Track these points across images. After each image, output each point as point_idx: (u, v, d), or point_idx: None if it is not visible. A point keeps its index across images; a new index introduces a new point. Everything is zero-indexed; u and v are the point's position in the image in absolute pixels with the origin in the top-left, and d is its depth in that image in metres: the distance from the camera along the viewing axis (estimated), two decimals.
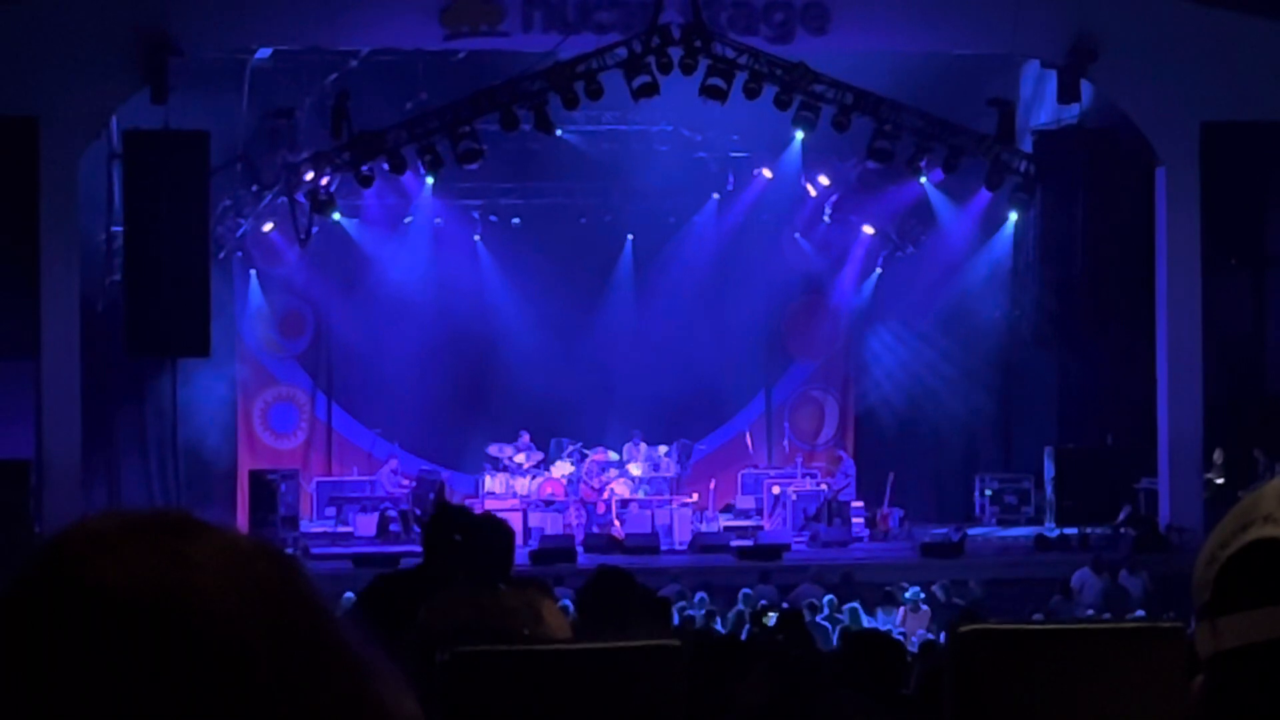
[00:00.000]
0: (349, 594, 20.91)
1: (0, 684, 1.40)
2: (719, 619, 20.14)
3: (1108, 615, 20.36)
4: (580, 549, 25.12)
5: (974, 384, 29.80)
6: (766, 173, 29.43)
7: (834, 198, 29.87)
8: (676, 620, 18.42)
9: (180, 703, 1.38)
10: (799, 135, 26.68)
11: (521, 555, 24.06)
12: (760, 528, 26.97)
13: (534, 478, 27.38)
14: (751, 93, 24.80)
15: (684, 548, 25.94)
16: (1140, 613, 20.64)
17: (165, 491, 27.58)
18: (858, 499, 27.80)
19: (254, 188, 26.50)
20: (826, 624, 19.83)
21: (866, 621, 20.01)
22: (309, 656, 1.44)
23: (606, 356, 29.48)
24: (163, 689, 1.38)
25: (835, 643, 18.15)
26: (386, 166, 25.44)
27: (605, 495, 26.98)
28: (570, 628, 4.52)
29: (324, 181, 25.65)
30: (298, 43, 25.53)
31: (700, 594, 21.48)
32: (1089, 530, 26.34)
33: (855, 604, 20.85)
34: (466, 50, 25.83)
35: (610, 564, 10.17)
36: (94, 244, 25.80)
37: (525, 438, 27.75)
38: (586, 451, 27.65)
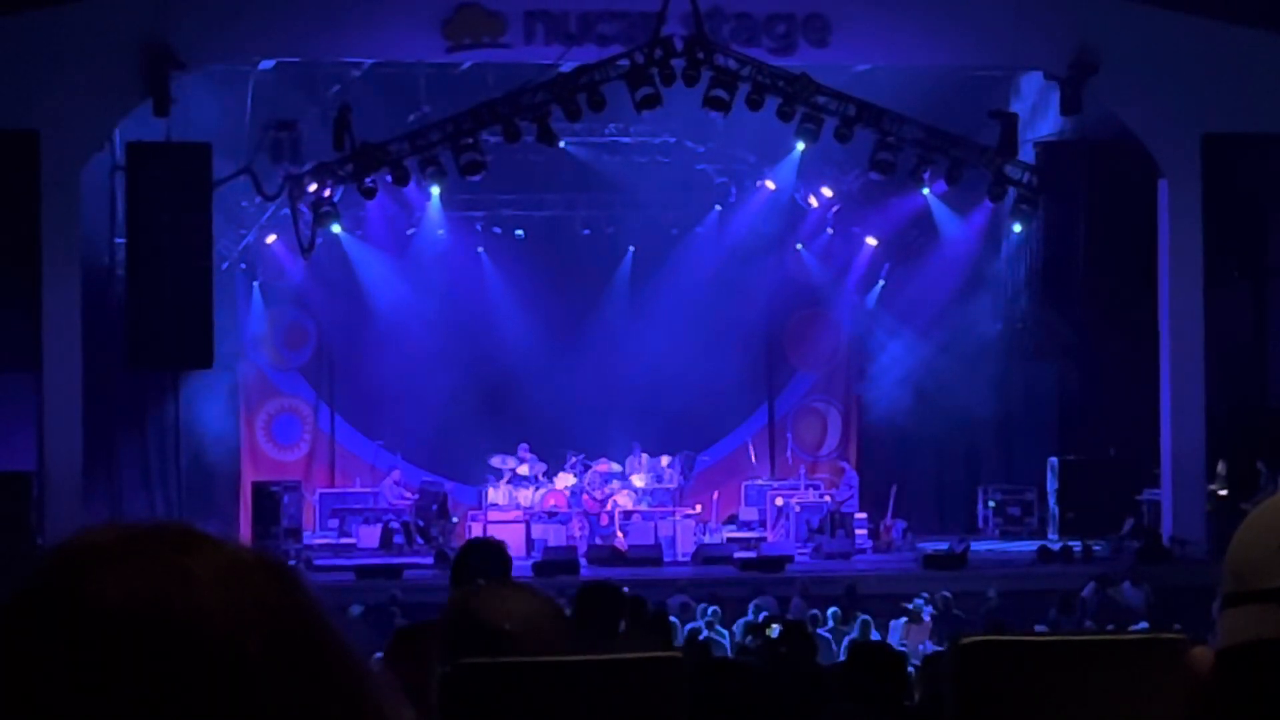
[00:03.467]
0: (355, 607, 21.01)
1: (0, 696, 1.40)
2: (724, 631, 20.10)
3: (1110, 627, 20.35)
4: (583, 560, 25.10)
5: (977, 395, 29.75)
6: (769, 184, 29.45)
7: (835, 209, 29.89)
8: (685, 633, 18.41)
9: (178, 716, 1.38)
10: (800, 146, 26.72)
11: (524, 567, 24.05)
12: (763, 539, 26.95)
13: (537, 489, 27.37)
14: (754, 104, 24.83)
15: (687, 559, 25.90)
16: (1143, 624, 20.61)
17: (167, 503, 27.56)
18: (861, 510, 27.76)
19: (257, 199, 26.51)
20: (829, 635, 19.81)
21: (874, 635, 19.99)
22: (308, 670, 1.43)
23: (609, 368, 29.46)
24: (161, 702, 1.38)
25: (840, 655, 18.14)
26: (389, 178, 25.45)
27: (608, 507, 26.96)
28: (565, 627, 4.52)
29: (326, 193, 25.67)
30: (300, 55, 25.57)
31: (700, 605, 21.45)
32: (1092, 542, 26.32)
33: (866, 616, 20.82)
34: (469, 62, 25.88)
35: (596, 579, 10.25)
36: (96, 257, 25.81)
37: (525, 449, 27.74)
38: (589, 463, 27.63)
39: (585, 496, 27.12)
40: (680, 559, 25.89)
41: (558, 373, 29.12)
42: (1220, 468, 26.13)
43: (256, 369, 29.31)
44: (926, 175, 26.35)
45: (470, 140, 24.92)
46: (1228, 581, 1.75)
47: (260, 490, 26.50)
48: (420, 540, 26.33)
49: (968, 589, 23.59)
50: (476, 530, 26.33)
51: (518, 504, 27.10)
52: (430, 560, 25.08)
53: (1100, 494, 27.92)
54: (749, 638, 18.57)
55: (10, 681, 1.40)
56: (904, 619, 21.73)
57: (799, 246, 30.43)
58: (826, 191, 29.59)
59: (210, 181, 24.90)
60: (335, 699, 1.44)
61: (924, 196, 28.50)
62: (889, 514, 27.90)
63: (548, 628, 4.12)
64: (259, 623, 1.42)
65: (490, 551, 7.25)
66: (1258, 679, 1.69)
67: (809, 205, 29.99)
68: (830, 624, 20.66)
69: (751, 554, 25.59)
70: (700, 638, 18.19)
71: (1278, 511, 1.75)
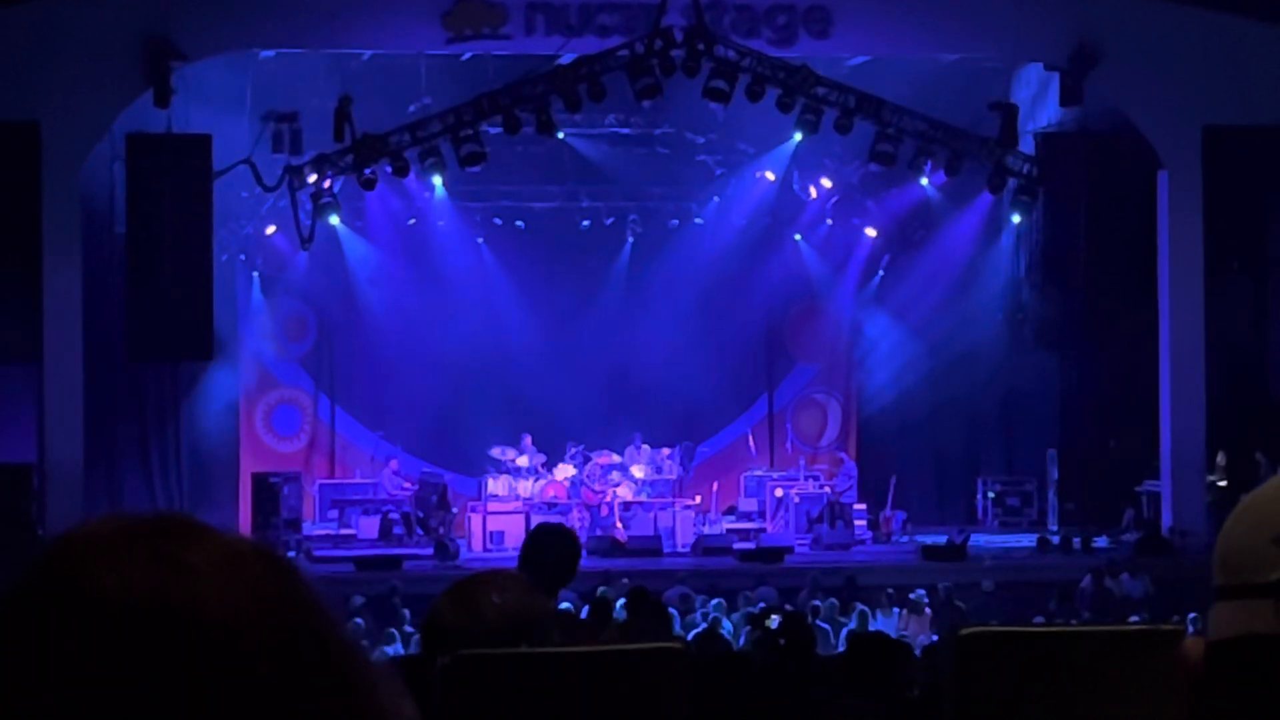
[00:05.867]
0: (357, 598, 21.03)
1: None
2: (726, 622, 20.11)
3: (1110, 618, 20.35)
4: (583, 551, 25.07)
5: (976, 386, 29.78)
6: (769, 175, 29.43)
7: (835, 200, 29.89)
8: (680, 623, 18.42)
9: (177, 709, 1.38)
10: (797, 137, 26.75)
11: None
12: (763, 530, 26.96)
13: (536, 480, 27.37)
14: (754, 95, 24.85)
15: (686, 550, 25.92)
16: (1138, 616, 20.62)
17: (167, 494, 27.58)
18: (860, 501, 27.77)
19: (256, 190, 26.51)
20: (827, 626, 19.82)
21: (871, 625, 20.01)
22: (307, 662, 1.43)
23: (608, 359, 29.45)
24: (159, 696, 1.38)
25: (839, 646, 18.16)
26: (389, 169, 25.46)
27: (608, 498, 26.96)
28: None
29: (326, 184, 25.68)
30: (301, 46, 25.55)
31: (700, 596, 21.46)
32: (1092, 533, 26.33)
33: (864, 607, 20.83)
34: (469, 53, 25.87)
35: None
36: (97, 248, 25.79)
37: (527, 440, 27.74)
38: (589, 454, 27.63)
39: (585, 489, 27.11)
40: (680, 550, 25.91)
41: (557, 364, 29.12)
42: (1220, 459, 26.13)
43: (256, 360, 29.29)
44: (927, 167, 26.37)
45: (470, 131, 24.94)
46: (1219, 573, 1.76)
47: (260, 481, 26.50)
48: (420, 531, 26.33)
49: (967, 580, 23.60)
50: (476, 522, 26.37)
51: (517, 495, 27.10)
52: (430, 551, 25.09)
53: (1100, 485, 27.94)
54: (747, 628, 18.59)
55: (8, 674, 1.40)
56: (896, 610, 21.75)
57: (797, 238, 30.42)
58: (826, 183, 29.58)
59: (210, 173, 24.90)
60: (335, 691, 1.44)
61: (923, 188, 28.51)
62: (888, 505, 27.91)
63: (519, 621, 4.12)
64: (258, 615, 1.42)
65: (557, 541, 7.29)
66: (1248, 673, 1.70)
67: (808, 196, 29.98)
68: (828, 615, 20.65)
69: (751, 545, 25.60)
70: (699, 629, 18.20)
71: (1267, 503, 1.75)
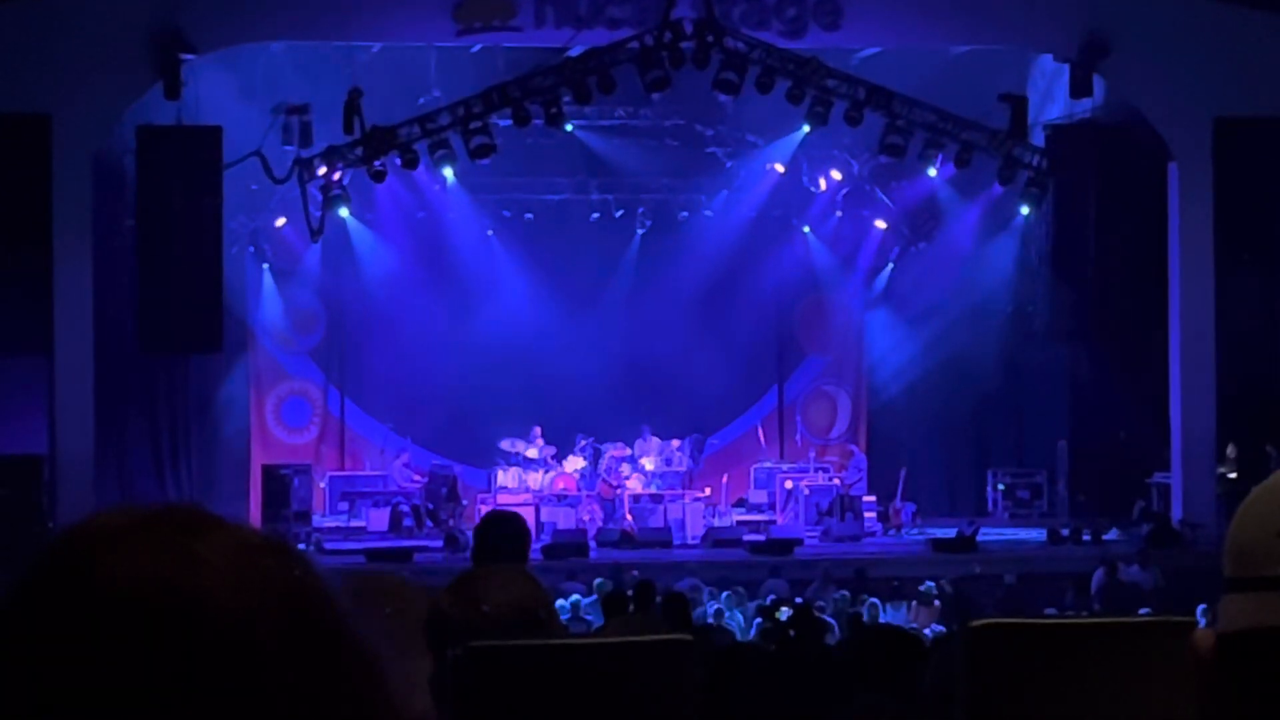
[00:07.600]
0: None
1: (7, 682, 1.40)
2: (736, 613, 20.11)
3: (1119, 610, 20.32)
4: (593, 544, 25.13)
5: (986, 379, 29.77)
6: (778, 167, 29.43)
7: (845, 192, 29.89)
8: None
9: (187, 702, 1.38)
10: (805, 129, 26.76)
11: (534, 550, 24.08)
12: (773, 522, 26.97)
13: (546, 472, 27.39)
14: (764, 87, 24.87)
15: (696, 542, 25.93)
16: (1148, 608, 20.60)
17: (178, 486, 27.60)
18: (870, 493, 27.78)
19: (266, 183, 26.51)
20: (832, 619, 19.80)
21: (881, 617, 20.01)
22: (319, 654, 1.43)
23: (618, 351, 29.45)
24: (169, 688, 1.38)
25: (848, 637, 18.14)
26: (399, 162, 25.48)
27: (618, 491, 26.97)
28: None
29: (336, 176, 25.68)
30: (310, 38, 25.58)
31: (709, 589, 21.46)
32: (1102, 525, 26.30)
33: (875, 599, 20.82)
34: (479, 46, 25.88)
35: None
36: (107, 240, 25.82)
37: (537, 433, 27.75)
38: (599, 446, 27.63)
39: (601, 483, 27.10)
40: (690, 542, 25.91)
41: (567, 356, 29.13)
42: (1230, 451, 26.09)
43: (266, 352, 29.32)
44: (937, 159, 26.36)
45: (480, 124, 24.96)
46: (1228, 565, 1.76)
47: (270, 473, 26.52)
48: (430, 523, 26.35)
49: (977, 573, 23.59)
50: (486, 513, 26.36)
51: (527, 487, 27.11)
52: (440, 543, 25.10)
53: (1110, 477, 27.91)
54: (757, 620, 18.60)
55: (18, 665, 1.40)
56: (903, 602, 21.75)
57: (806, 229, 30.43)
58: (836, 175, 29.58)
59: (220, 165, 24.92)
60: (344, 684, 1.45)
61: (933, 180, 28.50)
62: (898, 497, 27.90)
63: (521, 612, 4.13)
64: (268, 607, 1.42)
65: (509, 526, 7.19)
66: (1258, 666, 1.70)
67: (818, 188, 29.98)
68: (838, 607, 20.65)
69: (761, 537, 25.61)
70: (709, 621, 18.20)
71: (1278, 496, 1.75)
